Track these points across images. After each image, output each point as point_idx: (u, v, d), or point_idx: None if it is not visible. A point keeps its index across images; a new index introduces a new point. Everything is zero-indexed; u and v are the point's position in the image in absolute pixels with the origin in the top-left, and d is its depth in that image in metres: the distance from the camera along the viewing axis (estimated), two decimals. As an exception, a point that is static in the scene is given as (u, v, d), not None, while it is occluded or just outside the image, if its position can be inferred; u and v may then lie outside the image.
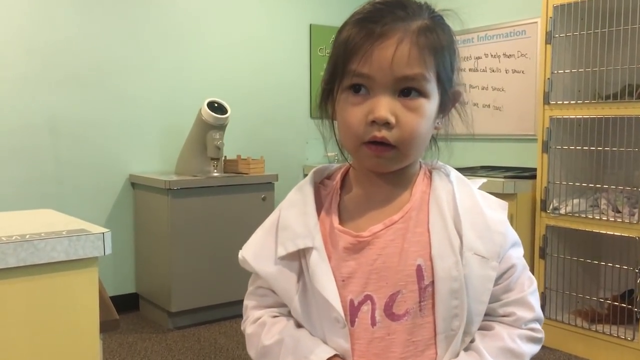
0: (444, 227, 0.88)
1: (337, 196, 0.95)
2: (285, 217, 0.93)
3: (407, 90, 0.85)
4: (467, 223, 0.88)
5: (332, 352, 0.87)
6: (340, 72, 0.86)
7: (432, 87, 0.86)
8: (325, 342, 0.89)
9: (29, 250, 1.32)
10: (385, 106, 0.83)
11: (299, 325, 0.93)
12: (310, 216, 0.92)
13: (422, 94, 0.86)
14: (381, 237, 0.88)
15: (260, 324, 0.95)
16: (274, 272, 0.91)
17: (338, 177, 0.97)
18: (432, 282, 0.86)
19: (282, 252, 0.90)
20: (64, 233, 1.39)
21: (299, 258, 0.90)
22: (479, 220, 0.89)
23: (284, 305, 0.94)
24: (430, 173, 0.95)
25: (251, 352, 0.96)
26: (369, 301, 0.88)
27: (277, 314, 0.96)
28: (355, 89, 0.86)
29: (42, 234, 1.37)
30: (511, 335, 0.90)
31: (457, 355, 0.88)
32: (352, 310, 0.88)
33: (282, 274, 0.91)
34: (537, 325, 0.93)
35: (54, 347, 1.38)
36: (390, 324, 0.87)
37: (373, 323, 0.87)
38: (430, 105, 0.87)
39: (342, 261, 0.89)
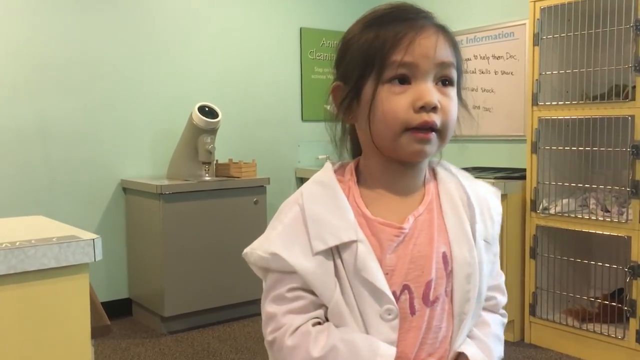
0: (457, 216, 0.94)
1: (357, 189, 0.95)
2: (314, 211, 0.91)
3: (443, 77, 0.91)
4: (478, 211, 0.95)
5: (394, 349, 0.87)
6: (379, 66, 0.89)
7: (456, 79, 0.94)
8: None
9: (19, 258, 1.32)
10: (432, 92, 0.89)
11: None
12: (347, 209, 0.91)
13: (452, 83, 0.93)
14: (414, 229, 0.92)
15: (302, 334, 0.89)
16: (312, 267, 0.88)
17: (349, 171, 0.98)
18: (452, 268, 0.92)
19: (320, 246, 0.88)
20: (54, 240, 1.39)
21: (331, 253, 0.89)
22: (485, 209, 0.96)
23: (320, 306, 0.91)
24: (433, 169, 1.01)
25: None
26: (406, 291, 0.90)
27: (318, 321, 0.91)
28: (400, 79, 0.89)
29: (33, 241, 1.37)
30: (495, 322, 1.00)
31: (464, 337, 0.94)
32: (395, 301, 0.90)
33: (321, 268, 0.88)
34: (504, 311, 1.05)
35: (46, 354, 1.39)
36: (426, 311, 0.91)
37: (412, 312, 0.90)
38: (456, 94, 0.94)
39: (385, 254, 0.90)
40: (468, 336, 0.95)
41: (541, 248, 3.12)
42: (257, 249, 0.92)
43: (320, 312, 0.91)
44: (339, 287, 0.89)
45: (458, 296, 0.91)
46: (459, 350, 0.92)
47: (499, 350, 0.98)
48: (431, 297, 0.91)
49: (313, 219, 0.90)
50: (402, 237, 0.91)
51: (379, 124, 0.90)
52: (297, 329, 0.89)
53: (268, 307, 0.93)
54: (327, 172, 0.97)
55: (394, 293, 0.89)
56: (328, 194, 0.93)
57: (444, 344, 0.92)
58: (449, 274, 0.91)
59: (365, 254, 0.88)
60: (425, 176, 0.99)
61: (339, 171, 1.00)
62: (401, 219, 0.93)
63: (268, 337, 0.92)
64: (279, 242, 0.91)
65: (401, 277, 0.90)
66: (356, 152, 1.02)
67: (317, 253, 0.88)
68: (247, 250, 0.95)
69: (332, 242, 0.88)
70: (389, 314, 0.88)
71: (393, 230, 0.91)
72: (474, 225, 0.94)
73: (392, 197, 0.95)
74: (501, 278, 1.03)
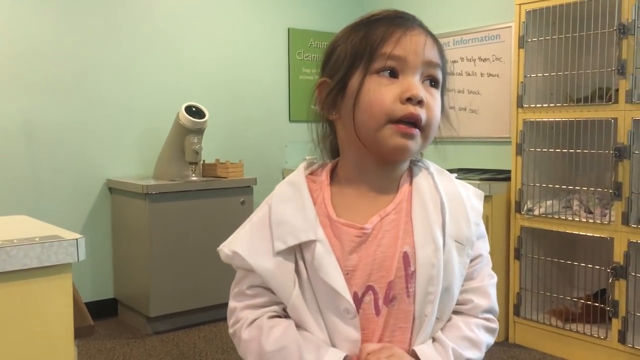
0: (425, 216, 0.92)
1: (328, 190, 0.96)
2: (279, 211, 0.93)
3: (430, 77, 0.92)
4: (450, 211, 0.93)
5: (342, 355, 0.88)
6: (368, 58, 0.90)
7: (440, 83, 0.95)
8: (329, 335, 0.90)
9: (1, 257, 1.32)
10: (419, 86, 0.90)
11: (296, 325, 0.92)
12: (309, 209, 0.92)
13: (437, 85, 0.93)
14: (379, 229, 0.92)
15: (256, 327, 0.93)
16: (271, 268, 0.90)
17: (325, 172, 0.99)
18: (415, 269, 0.90)
19: (281, 246, 0.90)
20: (36, 239, 1.39)
21: (294, 252, 0.91)
22: (461, 210, 0.94)
23: (278, 303, 0.93)
24: (410, 167, 1.00)
25: (250, 358, 0.93)
26: (370, 292, 0.90)
27: (273, 314, 0.94)
28: (388, 72, 0.90)
29: (15, 241, 1.37)
30: (468, 324, 0.95)
31: (424, 339, 0.92)
32: (356, 302, 0.90)
33: (280, 269, 0.90)
34: (492, 316, 0.98)
35: (28, 354, 1.38)
36: (385, 310, 0.90)
37: (377, 312, 0.90)
38: (440, 98, 0.95)
39: (346, 254, 0.91)
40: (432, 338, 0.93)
41: (525, 249, 3.15)
42: (225, 247, 0.96)
43: (277, 308, 0.94)
44: (300, 285, 0.90)
45: (420, 297, 0.90)
46: (413, 348, 0.91)
47: (470, 353, 0.93)
48: (390, 297, 0.91)
49: (276, 219, 0.93)
50: (364, 238, 0.91)
51: (364, 114, 0.90)
52: (252, 322, 0.93)
53: (230, 302, 0.99)
54: (298, 173, 0.99)
55: (355, 294, 0.90)
56: (295, 194, 0.95)
57: (403, 345, 0.91)
58: (412, 275, 0.90)
59: (323, 254, 0.89)
60: (401, 176, 0.98)
61: (317, 171, 1.00)
62: (367, 219, 0.93)
63: (230, 330, 0.98)
64: (243, 241, 0.94)
65: (363, 278, 0.90)
66: (335, 153, 1.02)
67: (278, 253, 0.90)
68: (220, 246, 0.98)
69: (292, 242, 0.90)
70: (348, 313, 0.89)
71: (354, 230, 0.91)
72: (444, 226, 0.92)
73: (363, 198, 0.95)
74: (489, 280, 0.99)
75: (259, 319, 0.93)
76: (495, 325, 0.99)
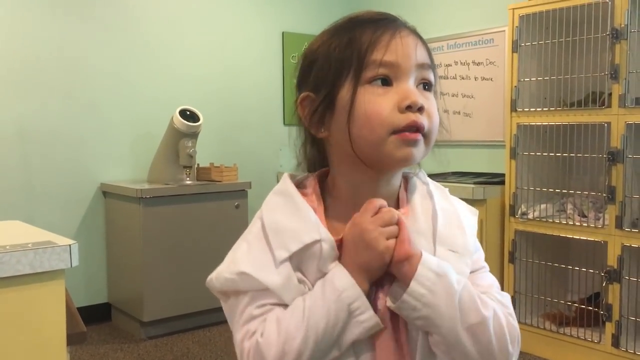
0: (413, 224, 0.87)
1: (320, 205, 0.90)
2: (274, 221, 0.85)
3: (424, 81, 0.87)
4: (443, 220, 0.89)
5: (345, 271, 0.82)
6: (357, 67, 0.83)
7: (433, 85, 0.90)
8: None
9: (-7, 264, 1.31)
10: (417, 92, 0.84)
11: None
12: (307, 210, 0.85)
13: (431, 87, 0.88)
14: None
15: (270, 322, 0.81)
16: (282, 282, 0.82)
17: (311, 188, 0.92)
18: None
19: (283, 254, 0.82)
20: (29, 246, 1.38)
21: (290, 265, 0.83)
22: (454, 218, 0.91)
23: None
24: (406, 179, 0.95)
25: (272, 350, 0.79)
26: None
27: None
28: (380, 80, 0.83)
29: (7, 247, 1.36)
30: (486, 296, 0.88)
31: (421, 349, 0.85)
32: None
33: (290, 280, 0.82)
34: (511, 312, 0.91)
35: (20, 360, 1.38)
36: (381, 315, 0.86)
37: (375, 310, 0.83)
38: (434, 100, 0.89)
39: None
40: None
41: (520, 252, 3.15)
42: (224, 272, 0.85)
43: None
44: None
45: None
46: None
47: (481, 307, 0.84)
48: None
49: (272, 229, 0.85)
50: None
51: (362, 128, 0.83)
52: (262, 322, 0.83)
53: (237, 334, 0.84)
54: (285, 182, 0.91)
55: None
56: (286, 200, 0.88)
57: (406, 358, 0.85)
58: None
59: (330, 253, 0.83)
60: (399, 192, 0.93)
61: (300, 185, 0.93)
62: None
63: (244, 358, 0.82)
64: (246, 260, 0.84)
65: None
66: (317, 166, 0.96)
67: (282, 263, 0.82)
68: (212, 275, 0.87)
69: (295, 247, 0.82)
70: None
71: None
72: (435, 234, 0.88)
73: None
74: (497, 290, 0.92)
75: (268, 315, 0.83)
76: (515, 322, 0.89)
